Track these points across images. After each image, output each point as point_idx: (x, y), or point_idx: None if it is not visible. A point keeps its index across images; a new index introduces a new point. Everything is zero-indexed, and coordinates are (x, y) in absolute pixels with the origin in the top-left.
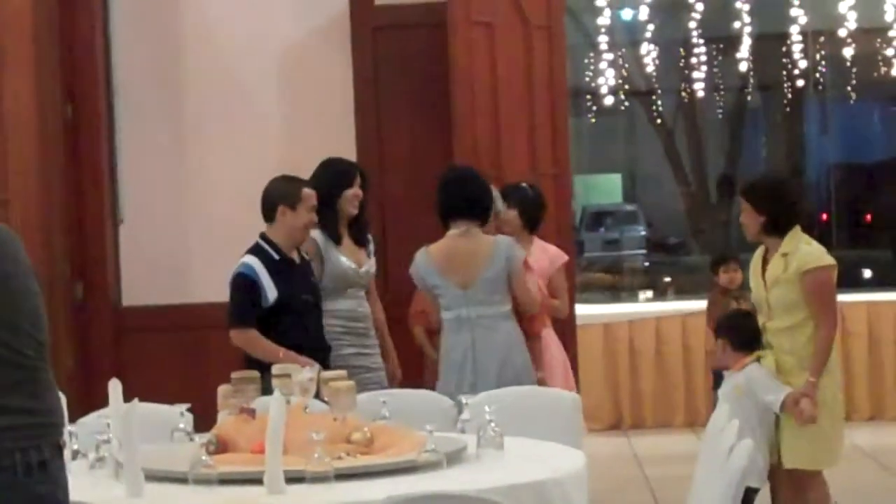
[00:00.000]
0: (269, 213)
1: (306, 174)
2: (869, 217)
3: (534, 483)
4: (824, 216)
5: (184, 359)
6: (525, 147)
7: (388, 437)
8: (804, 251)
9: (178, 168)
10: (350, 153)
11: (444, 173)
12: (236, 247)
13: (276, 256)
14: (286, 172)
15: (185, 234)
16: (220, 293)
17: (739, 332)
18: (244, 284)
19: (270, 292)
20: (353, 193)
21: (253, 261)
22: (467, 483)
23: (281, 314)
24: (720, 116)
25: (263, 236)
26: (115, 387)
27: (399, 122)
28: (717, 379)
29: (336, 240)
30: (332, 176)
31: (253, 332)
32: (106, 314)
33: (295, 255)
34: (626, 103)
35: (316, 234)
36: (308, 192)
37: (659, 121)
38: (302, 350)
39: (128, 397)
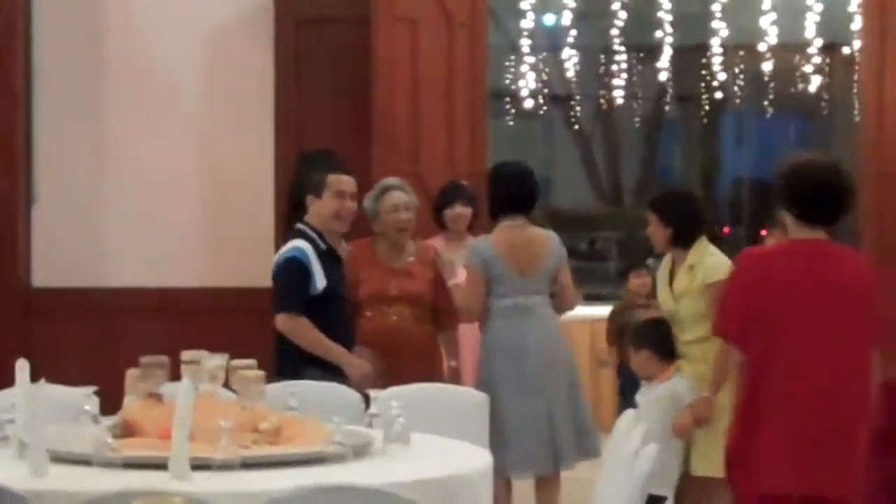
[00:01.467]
0: (302, 203)
1: (224, 162)
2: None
3: (439, 479)
4: (726, 230)
5: (94, 342)
6: (444, 146)
7: (295, 428)
8: (708, 263)
9: (95, 150)
10: (269, 143)
11: (497, 167)
12: (151, 231)
13: (323, 246)
14: (204, 158)
15: (100, 217)
16: (133, 277)
17: (662, 342)
18: (295, 268)
19: (320, 280)
20: None
21: (305, 245)
22: (373, 476)
23: (325, 305)
24: (637, 125)
25: (306, 223)
26: (22, 367)
27: (320, 115)
28: (625, 385)
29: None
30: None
31: (303, 320)
32: (15, 294)
33: (339, 250)
34: (545, 108)
35: None
36: (334, 178)
37: (577, 126)
38: (346, 346)
39: (36, 379)
